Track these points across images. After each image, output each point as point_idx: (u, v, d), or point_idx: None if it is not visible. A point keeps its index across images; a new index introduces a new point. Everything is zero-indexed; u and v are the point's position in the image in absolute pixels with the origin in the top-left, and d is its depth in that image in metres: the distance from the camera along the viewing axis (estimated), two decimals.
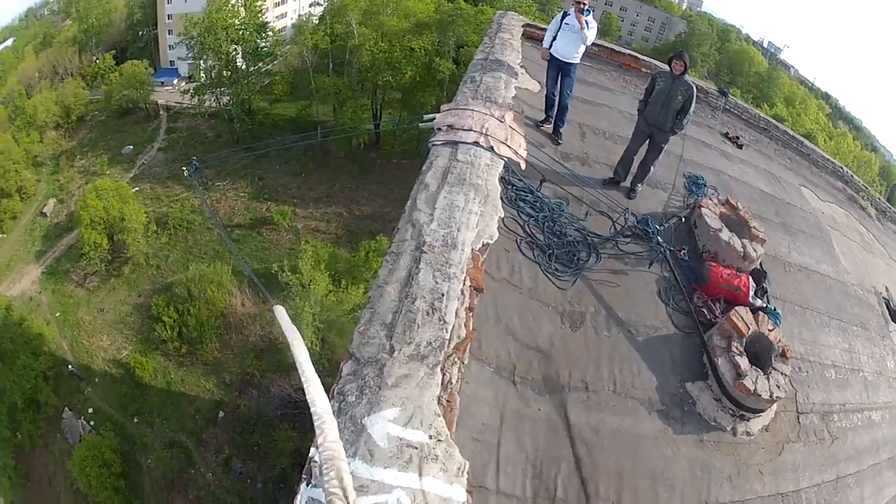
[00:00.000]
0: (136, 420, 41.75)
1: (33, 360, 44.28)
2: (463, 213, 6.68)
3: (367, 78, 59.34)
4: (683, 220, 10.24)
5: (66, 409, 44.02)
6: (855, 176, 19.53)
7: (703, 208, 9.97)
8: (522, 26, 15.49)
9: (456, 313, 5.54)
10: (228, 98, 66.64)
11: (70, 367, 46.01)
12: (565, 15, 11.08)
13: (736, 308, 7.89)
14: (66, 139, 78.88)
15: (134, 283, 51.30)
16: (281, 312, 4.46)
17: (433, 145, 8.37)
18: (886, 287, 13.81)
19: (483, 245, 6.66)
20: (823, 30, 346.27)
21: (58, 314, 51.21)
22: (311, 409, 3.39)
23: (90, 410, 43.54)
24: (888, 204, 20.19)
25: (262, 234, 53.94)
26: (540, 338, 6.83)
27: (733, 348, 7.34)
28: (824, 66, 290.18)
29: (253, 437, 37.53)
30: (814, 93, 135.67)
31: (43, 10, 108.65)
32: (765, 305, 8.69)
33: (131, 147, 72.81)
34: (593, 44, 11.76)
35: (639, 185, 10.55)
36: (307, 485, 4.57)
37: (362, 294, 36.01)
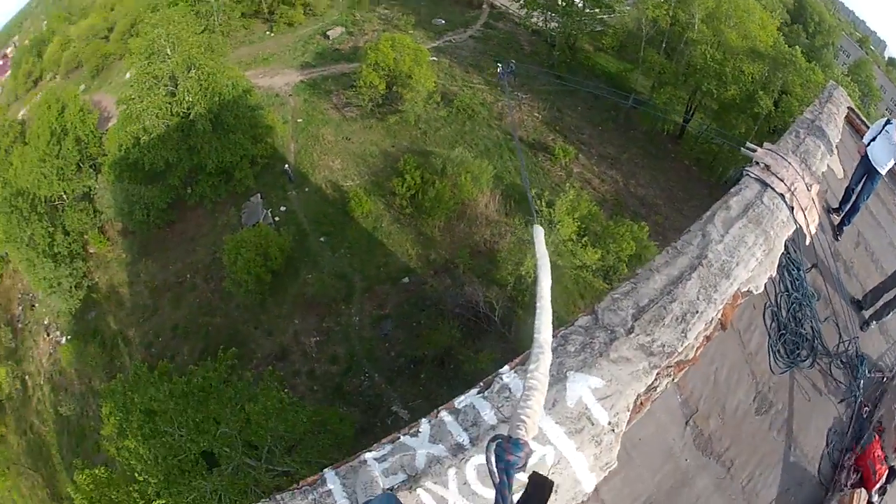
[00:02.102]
0: (322, 239, 42.63)
1: (249, 141, 45.06)
2: (747, 252, 6.66)
3: (693, 75, 57.70)
4: (885, 380, 9.76)
5: (259, 195, 45.41)
6: None
7: None
8: (847, 108, 14.89)
9: (697, 335, 5.64)
10: (556, 25, 66.03)
11: (286, 166, 47.28)
12: (888, 123, 10.88)
13: (861, 490, 7.60)
14: None
15: (394, 134, 51.78)
16: (539, 233, 4.60)
17: (747, 174, 8.33)
18: None
19: (746, 291, 6.63)
20: None
21: (300, 120, 52.76)
22: (535, 335, 3.62)
23: (282, 208, 44.86)
24: None
25: (537, 158, 53.16)
26: (730, 400, 6.85)
27: None
28: None
29: (418, 315, 37.84)
30: None
31: None
32: None
33: (443, 21, 73.26)
34: None
35: (874, 322, 10.19)
36: (478, 392, 4.96)
37: (597, 259, 36.00)
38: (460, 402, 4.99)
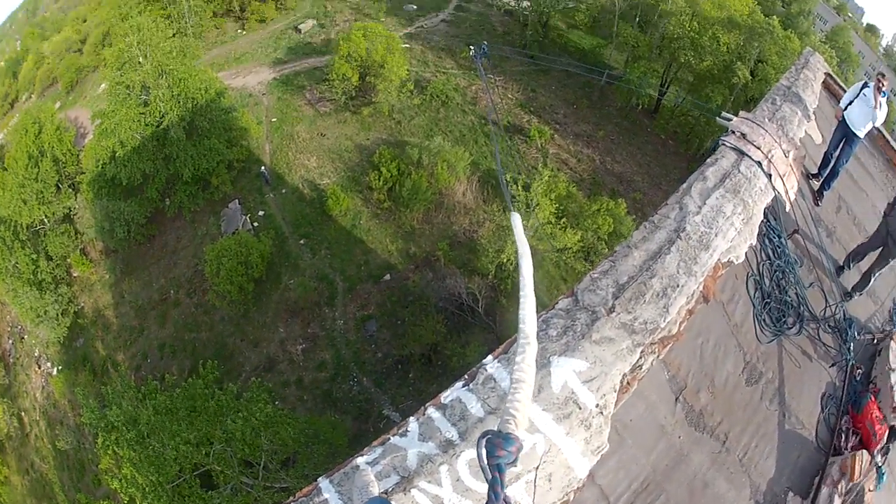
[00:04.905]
0: (301, 242, 42.55)
1: (224, 146, 44.89)
2: (725, 222, 6.65)
3: (668, 47, 58.03)
4: (875, 342, 9.83)
5: (237, 201, 45.24)
6: None
7: (893, 341, 9.48)
8: (824, 74, 14.96)
9: (679, 310, 5.62)
10: (528, 4, 66.00)
11: (262, 168, 47.04)
12: (864, 86, 11.19)
13: (864, 451, 7.66)
14: None
15: (368, 126, 51.63)
16: (517, 220, 4.59)
17: (723, 144, 8.34)
18: None
19: (727, 261, 6.67)
20: None
21: (274, 119, 52.66)
22: (520, 325, 3.58)
23: (260, 213, 44.72)
24: None
25: (513, 141, 53.07)
26: (719, 373, 6.87)
27: (839, 487, 7.13)
28: None
29: (402, 312, 37.71)
30: None
31: None
32: (879, 464, 8.38)
33: (414, 6, 73.44)
34: (876, 127, 11.91)
35: (857, 293, 10.31)
36: (463, 385, 4.93)
37: (577, 241, 35.93)
38: (446, 396, 4.97)
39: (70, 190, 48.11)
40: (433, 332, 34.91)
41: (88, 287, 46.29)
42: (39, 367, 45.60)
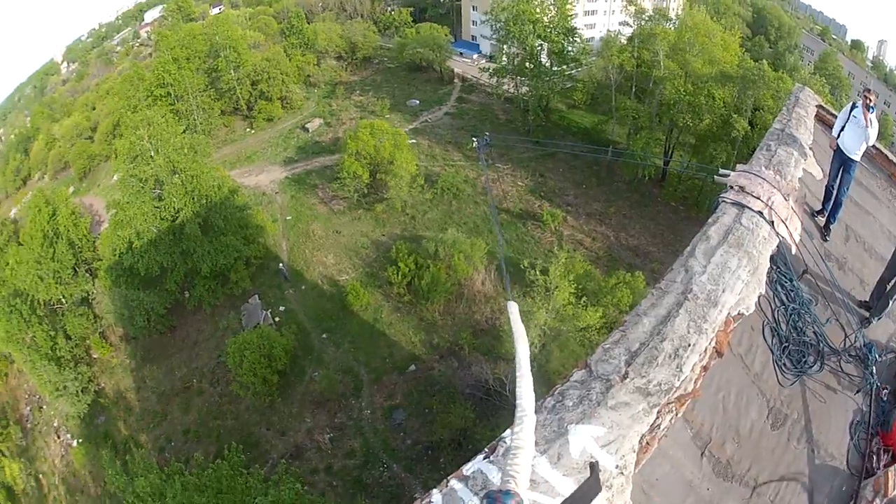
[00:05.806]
0: (324, 336, 43.17)
1: (240, 243, 45.92)
2: (732, 276, 6.77)
3: (666, 113, 58.87)
4: None
5: (257, 296, 46.20)
6: None
7: None
8: (816, 107, 14.98)
9: (692, 367, 5.69)
10: (527, 89, 67.27)
11: (281, 265, 48.27)
12: (853, 107, 10.92)
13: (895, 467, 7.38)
14: (348, 72, 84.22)
15: (382, 222, 52.85)
16: (513, 308, 4.87)
17: (723, 201, 8.43)
18: None
19: (738, 314, 6.72)
20: None
21: (289, 217, 54.14)
22: (518, 402, 4.03)
23: (281, 308, 45.59)
24: None
25: (526, 227, 53.96)
26: (743, 423, 6.82)
27: None
28: None
29: (429, 401, 37.77)
30: None
31: None
32: None
33: (417, 101, 75.59)
34: (871, 146, 11.59)
35: (875, 318, 9.92)
36: (484, 458, 5.06)
37: (599, 317, 35.32)
38: (468, 468, 5.08)
39: (87, 275, 49.15)
40: (462, 418, 34.93)
41: (109, 369, 46.89)
42: (59, 437, 45.86)
